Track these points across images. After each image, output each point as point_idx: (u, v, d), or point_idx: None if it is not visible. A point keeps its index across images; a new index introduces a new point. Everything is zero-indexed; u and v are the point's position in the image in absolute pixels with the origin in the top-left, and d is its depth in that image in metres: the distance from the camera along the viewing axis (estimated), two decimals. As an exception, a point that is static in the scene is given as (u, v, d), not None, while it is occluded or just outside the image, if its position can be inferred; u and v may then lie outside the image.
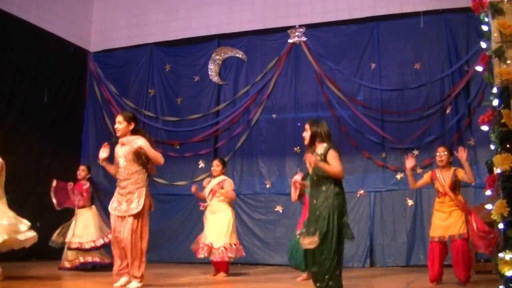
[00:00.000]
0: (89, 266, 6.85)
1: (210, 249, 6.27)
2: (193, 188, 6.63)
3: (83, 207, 7.02)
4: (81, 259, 6.82)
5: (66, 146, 9.15)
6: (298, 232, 4.08)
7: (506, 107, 3.25)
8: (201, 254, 6.31)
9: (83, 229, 6.85)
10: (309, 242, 3.80)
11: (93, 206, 7.12)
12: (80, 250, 6.78)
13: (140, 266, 4.70)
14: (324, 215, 3.83)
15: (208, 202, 6.54)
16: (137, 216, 4.68)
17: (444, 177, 5.34)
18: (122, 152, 4.82)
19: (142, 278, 4.75)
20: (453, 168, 5.39)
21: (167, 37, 9.89)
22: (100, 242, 6.85)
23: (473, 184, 5.69)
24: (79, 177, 7.12)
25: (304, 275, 5.84)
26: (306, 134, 4.05)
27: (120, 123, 4.89)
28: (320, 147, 4.00)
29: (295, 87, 9.02)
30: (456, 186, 5.33)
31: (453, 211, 5.29)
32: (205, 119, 9.44)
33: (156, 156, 4.79)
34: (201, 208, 6.71)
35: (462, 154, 5.23)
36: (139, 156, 4.77)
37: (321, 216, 3.83)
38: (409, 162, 5.46)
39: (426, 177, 5.57)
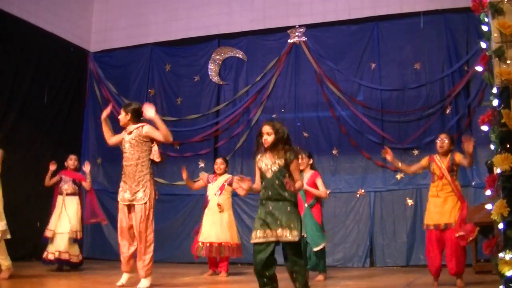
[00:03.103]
0: (63, 264, 6.72)
1: (223, 246, 6.31)
2: (185, 175, 6.62)
3: (73, 194, 6.99)
4: (60, 255, 6.66)
5: (66, 146, 9.14)
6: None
7: (506, 107, 3.24)
8: (213, 254, 6.31)
9: (73, 218, 6.83)
10: (293, 235, 3.67)
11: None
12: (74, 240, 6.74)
13: (147, 258, 4.78)
14: (293, 211, 3.69)
15: (216, 198, 6.53)
16: (144, 204, 4.81)
17: (442, 160, 5.27)
18: (128, 138, 4.97)
19: (150, 273, 4.83)
20: (450, 154, 5.29)
21: (167, 37, 9.89)
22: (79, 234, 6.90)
23: (468, 169, 5.56)
24: (71, 166, 7.08)
25: (321, 276, 5.88)
26: (269, 138, 3.74)
27: (120, 114, 5.12)
28: (280, 154, 3.75)
29: (295, 87, 9.03)
30: (453, 170, 5.22)
31: (448, 197, 5.17)
32: (205, 119, 9.44)
33: (166, 129, 4.89)
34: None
35: (468, 146, 5.03)
36: (144, 142, 4.92)
37: (290, 211, 3.67)
38: (388, 156, 5.39)
39: (424, 161, 5.47)
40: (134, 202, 4.83)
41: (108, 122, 5.17)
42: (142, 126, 4.96)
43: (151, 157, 4.95)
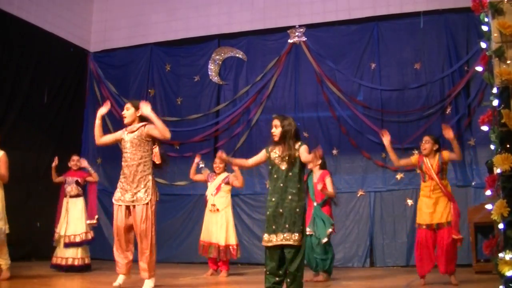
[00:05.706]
0: (72, 271, 6.61)
1: (218, 247, 6.33)
2: (198, 158, 6.86)
3: (76, 196, 6.91)
4: (72, 260, 6.64)
5: (66, 146, 9.14)
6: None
7: (506, 107, 3.25)
8: (211, 254, 6.36)
9: (77, 220, 6.76)
10: (293, 239, 3.77)
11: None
12: (73, 244, 6.66)
13: (151, 259, 4.73)
14: (300, 213, 3.86)
15: (212, 198, 6.56)
16: (146, 205, 4.74)
17: (431, 162, 5.43)
18: (129, 137, 4.89)
19: (154, 274, 4.79)
20: (438, 153, 5.46)
21: (167, 37, 9.89)
22: (90, 235, 6.85)
23: (459, 160, 5.69)
24: (74, 167, 7.00)
25: (320, 276, 5.83)
26: (276, 131, 4.02)
27: (128, 109, 4.97)
28: (292, 146, 3.99)
29: (295, 87, 9.03)
30: (443, 169, 5.40)
31: (440, 197, 5.35)
32: (205, 119, 9.44)
33: (163, 125, 4.81)
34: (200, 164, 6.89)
35: (448, 133, 5.31)
36: (147, 141, 4.86)
37: (298, 213, 3.85)
38: (385, 139, 5.51)
39: (413, 158, 5.67)
40: (135, 203, 4.75)
41: (101, 122, 5.03)
42: (145, 125, 4.89)
43: (153, 159, 4.91)
